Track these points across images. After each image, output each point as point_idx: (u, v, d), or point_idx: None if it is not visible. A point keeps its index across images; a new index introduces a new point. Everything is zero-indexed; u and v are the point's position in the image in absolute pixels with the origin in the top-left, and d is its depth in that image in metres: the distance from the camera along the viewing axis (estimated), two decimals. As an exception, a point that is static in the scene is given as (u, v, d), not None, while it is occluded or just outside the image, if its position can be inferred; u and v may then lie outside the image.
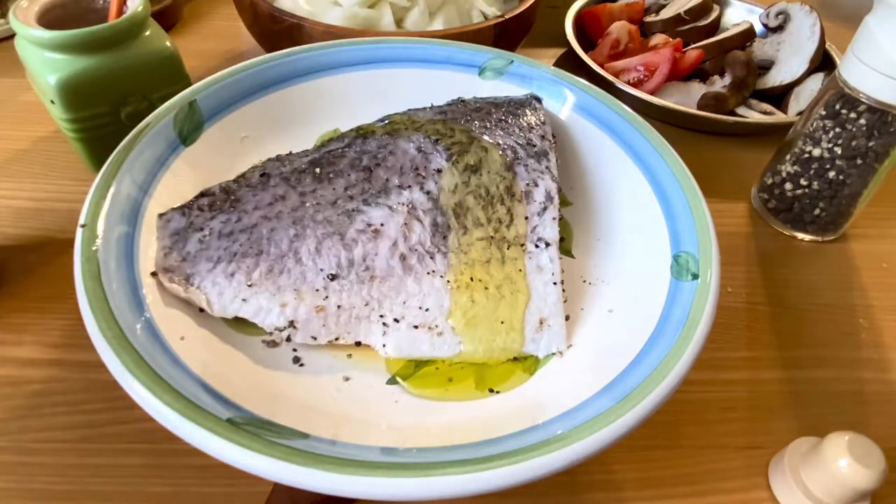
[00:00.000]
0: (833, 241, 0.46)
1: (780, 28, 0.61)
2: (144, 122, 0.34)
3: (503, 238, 0.33)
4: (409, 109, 0.41)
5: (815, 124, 0.42)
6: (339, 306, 0.31)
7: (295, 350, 0.31)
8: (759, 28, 0.62)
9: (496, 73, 0.43)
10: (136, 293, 0.28)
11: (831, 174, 0.42)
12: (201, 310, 0.30)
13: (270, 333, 0.30)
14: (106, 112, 0.40)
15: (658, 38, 0.61)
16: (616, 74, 0.56)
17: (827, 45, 0.58)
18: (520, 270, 0.33)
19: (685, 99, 0.56)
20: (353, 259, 0.32)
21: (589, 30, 0.64)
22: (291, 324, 0.30)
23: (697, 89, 0.57)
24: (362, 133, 0.38)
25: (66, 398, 0.32)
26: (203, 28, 0.64)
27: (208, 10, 0.67)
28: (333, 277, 0.31)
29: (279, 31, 0.49)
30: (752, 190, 0.49)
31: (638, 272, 0.34)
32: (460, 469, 0.22)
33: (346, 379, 0.30)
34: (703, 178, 0.36)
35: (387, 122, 0.39)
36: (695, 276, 0.30)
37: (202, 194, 0.34)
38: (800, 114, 0.46)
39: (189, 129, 0.36)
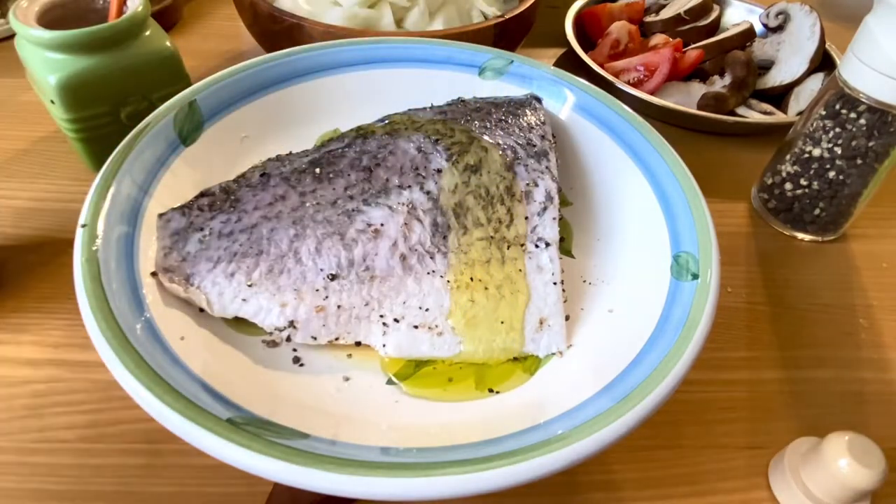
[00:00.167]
0: (833, 241, 0.46)
1: (780, 28, 0.61)
2: (144, 122, 0.34)
3: (503, 238, 0.33)
4: (409, 109, 0.41)
5: (815, 124, 0.42)
6: (339, 306, 0.31)
7: (295, 350, 0.31)
8: (759, 28, 0.62)
9: (496, 73, 0.43)
10: (136, 293, 0.28)
11: (831, 174, 0.42)
12: (201, 310, 0.30)
13: (270, 333, 0.30)
14: (106, 112, 0.40)
15: (658, 38, 0.61)
16: (616, 74, 0.56)
17: (827, 45, 0.58)
18: (520, 270, 0.33)
19: (685, 99, 0.56)
20: (353, 259, 0.32)
21: (589, 30, 0.64)
22: (291, 324, 0.30)
23: (697, 89, 0.57)
24: (362, 133, 0.38)
25: (66, 398, 0.32)
26: (203, 28, 0.64)
27: (208, 10, 0.67)
28: (333, 277, 0.31)
29: (279, 31, 0.49)
30: (752, 190, 0.49)
31: (638, 272, 0.34)
32: (460, 469, 0.22)
33: (346, 379, 0.30)
34: (703, 178, 0.36)
35: (387, 122, 0.39)
36: (695, 276, 0.30)
37: (202, 194, 0.34)
38: (800, 114, 0.46)
39: (189, 129, 0.36)
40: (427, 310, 0.31)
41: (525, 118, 0.39)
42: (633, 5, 0.65)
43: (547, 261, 0.33)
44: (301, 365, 0.30)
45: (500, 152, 0.36)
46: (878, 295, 0.42)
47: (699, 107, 0.54)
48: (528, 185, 0.35)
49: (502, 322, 0.31)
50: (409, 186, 0.34)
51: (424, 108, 0.41)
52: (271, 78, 0.41)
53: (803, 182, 0.44)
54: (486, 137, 0.37)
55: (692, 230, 0.32)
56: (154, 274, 0.30)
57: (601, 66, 0.56)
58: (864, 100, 0.39)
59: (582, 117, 0.41)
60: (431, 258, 0.32)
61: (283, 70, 0.41)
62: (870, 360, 0.38)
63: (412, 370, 0.31)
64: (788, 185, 0.45)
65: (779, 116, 0.54)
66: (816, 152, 0.42)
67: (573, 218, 0.39)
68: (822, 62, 0.58)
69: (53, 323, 0.35)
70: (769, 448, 0.33)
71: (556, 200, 0.35)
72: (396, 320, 0.31)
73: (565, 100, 0.42)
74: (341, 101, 0.42)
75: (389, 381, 0.30)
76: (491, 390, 0.30)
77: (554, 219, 0.34)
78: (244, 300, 0.30)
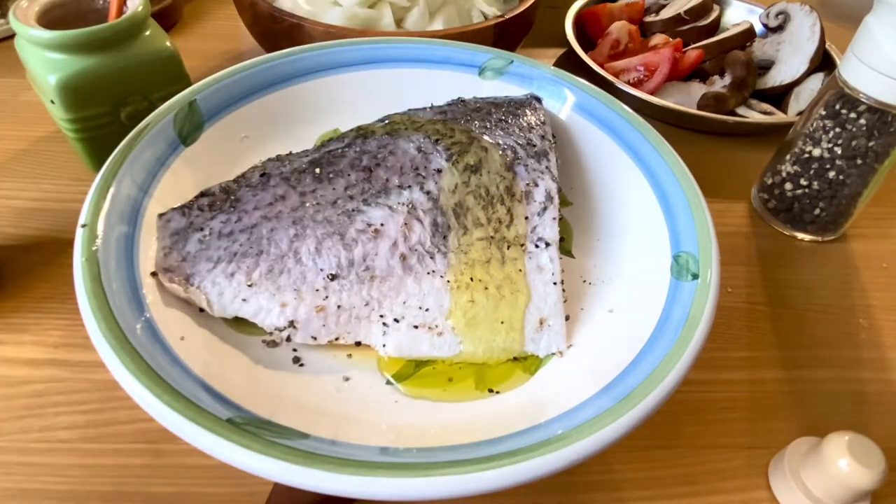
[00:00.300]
0: (833, 241, 0.46)
1: (780, 28, 0.61)
2: (144, 122, 0.34)
3: (503, 238, 0.33)
4: (409, 109, 0.41)
5: (815, 124, 0.42)
6: (339, 306, 0.31)
7: (295, 350, 0.31)
8: (759, 28, 0.62)
9: (496, 73, 0.43)
10: (136, 293, 0.28)
11: (831, 174, 0.42)
12: (201, 310, 0.30)
13: (270, 333, 0.30)
14: (106, 112, 0.40)
15: (658, 38, 0.61)
16: (616, 74, 0.56)
17: (827, 45, 0.58)
18: (520, 270, 0.33)
19: (685, 99, 0.56)
20: (354, 259, 0.32)
21: (589, 30, 0.64)
22: (291, 324, 0.30)
23: (697, 89, 0.57)
24: (362, 133, 0.38)
25: (66, 398, 0.32)
26: (203, 28, 0.64)
27: (208, 10, 0.67)
28: (333, 277, 0.31)
29: (279, 31, 0.49)
30: (752, 190, 0.49)
31: (638, 272, 0.34)
32: (460, 469, 0.22)
33: (346, 379, 0.30)
34: (703, 178, 0.36)
35: (387, 122, 0.39)
36: (695, 276, 0.30)
37: (202, 194, 0.34)
38: (800, 114, 0.46)
39: (189, 129, 0.36)
40: (427, 310, 0.31)
41: (525, 118, 0.39)
42: (633, 5, 0.65)
43: (547, 261, 0.33)
44: (301, 365, 0.30)
45: (500, 152, 0.36)
46: (878, 295, 0.42)
47: (699, 107, 0.54)
48: (528, 185, 0.35)
49: (502, 322, 0.31)
50: (409, 186, 0.34)
51: (424, 108, 0.41)
52: (271, 78, 0.41)
53: (803, 182, 0.44)
54: (486, 137, 0.37)
55: (692, 230, 0.32)
56: (154, 274, 0.30)
57: (601, 66, 0.56)
58: (864, 100, 0.39)
59: (582, 117, 0.41)
60: (431, 258, 0.32)
61: (283, 70, 0.41)
62: (870, 360, 0.38)
63: (412, 370, 0.31)
64: (788, 185, 0.45)
65: (779, 116, 0.54)
66: (816, 152, 0.42)
67: (573, 218, 0.39)
68: (822, 62, 0.58)
69: (53, 323, 0.35)
70: (769, 448, 0.33)
71: (556, 200, 0.35)
72: (396, 320, 0.31)
73: (565, 100, 0.42)
74: (341, 101, 0.42)
75: (389, 382, 0.30)
76: (491, 390, 0.30)
77: (554, 219, 0.34)
78: (244, 300, 0.30)
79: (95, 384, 0.32)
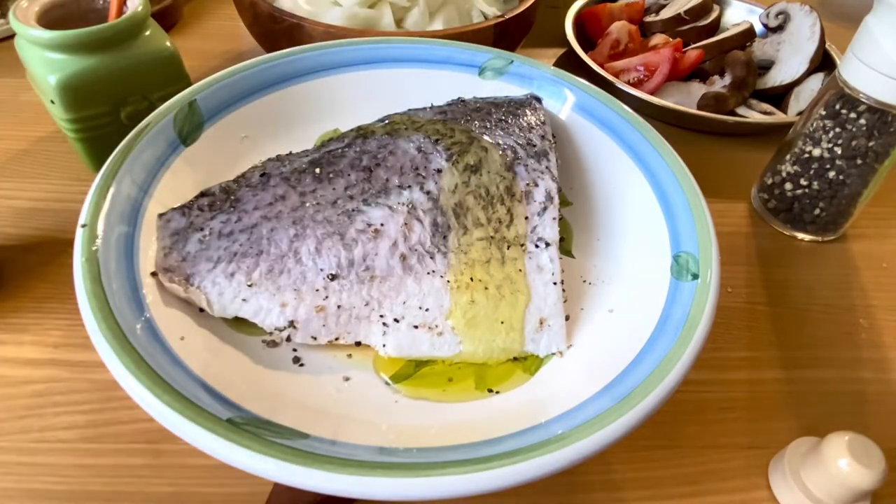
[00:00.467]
0: (833, 241, 0.46)
1: (780, 28, 0.61)
2: (144, 122, 0.34)
3: (503, 238, 0.33)
4: (409, 109, 0.41)
5: (815, 124, 0.42)
6: (339, 306, 0.31)
7: (295, 350, 0.31)
8: (759, 28, 0.62)
9: (496, 73, 0.43)
10: (136, 293, 0.28)
11: (831, 174, 0.42)
12: (201, 310, 0.30)
13: (270, 333, 0.30)
14: (106, 112, 0.40)
15: (658, 38, 0.61)
16: (616, 74, 0.56)
17: (827, 45, 0.58)
18: (520, 270, 0.33)
19: (685, 99, 0.56)
20: (354, 259, 0.32)
21: (589, 30, 0.64)
22: (291, 324, 0.30)
23: (697, 89, 0.57)
24: (362, 133, 0.38)
25: (66, 398, 0.32)
26: (203, 28, 0.64)
27: (208, 10, 0.67)
28: (333, 277, 0.31)
29: (279, 31, 0.49)
30: (752, 190, 0.49)
31: (638, 272, 0.34)
32: (460, 469, 0.22)
33: (346, 379, 0.30)
34: (703, 178, 0.36)
35: (387, 122, 0.39)
36: (695, 276, 0.30)
37: (202, 194, 0.34)
38: (800, 114, 0.46)
39: (189, 129, 0.36)
40: (427, 310, 0.31)
41: (525, 118, 0.39)
42: (633, 5, 0.65)
43: (547, 261, 0.33)
44: (301, 365, 0.30)
45: (500, 152, 0.36)
46: (878, 295, 0.42)
47: (699, 107, 0.54)
48: (528, 185, 0.35)
49: (502, 322, 0.31)
50: (409, 186, 0.34)
51: (424, 108, 0.41)
52: (271, 78, 0.41)
53: (803, 182, 0.44)
54: (486, 137, 0.37)
55: (692, 230, 0.32)
56: (154, 274, 0.30)
57: (601, 66, 0.56)
58: (864, 100, 0.39)
59: (582, 117, 0.41)
60: (431, 258, 0.32)
61: (283, 70, 0.41)
62: (870, 360, 0.38)
63: (412, 370, 0.31)
64: (788, 185, 0.45)
65: (779, 116, 0.54)
66: (816, 152, 0.42)
67: (573, 218, 0.39)
68: (822, 62, 0.58)
69: (53, 323, 0.35)
70: (769, 448, 0.33)
71: (556, 200, 0.35)
72: (396, 320, 0.31)
73: (565, 100, 0.42)
74: (341, 101, 0.42)
75: (387, 383, 0.30)
76: (491, 390, 0.30)
77: (554, 219, 0.34)
78: (244, 300, 0.30)
79: (95, 384, 0.32)
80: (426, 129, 0.37)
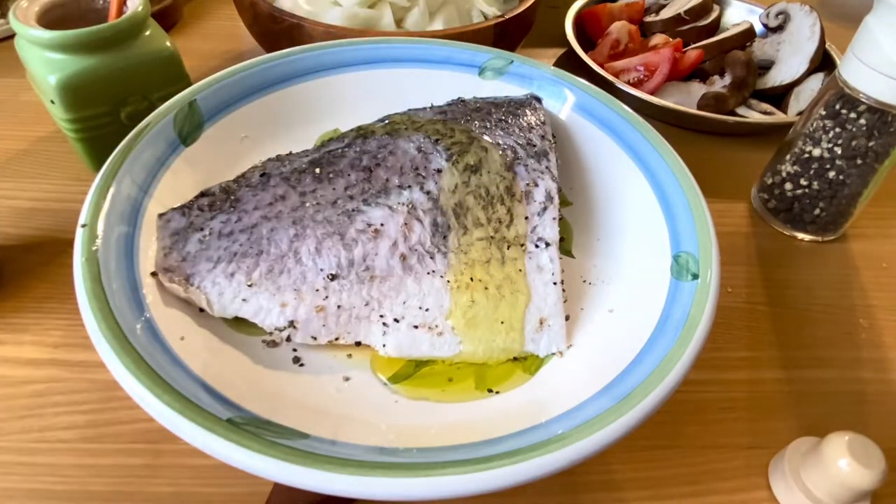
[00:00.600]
0: (833, 241, 0.46)
1: (780, 28, 0.61)
2: (144, 122, 0.34)
3: (503, 238, 0.33)
4: (409, 109, 0.41)
5: (815, 124, 0.42)
6: (339, 306, 0.31)
7: (295, 350, 0.31)
8: (759, 28, 0.62)
9: (496, 73, 0.43)
10: (136, 293, 0.28)
11: (831, 174, 0.42)
12: (201, 310, 0.30)
13: (270, 333, 0.30)
14: (106, 112, 0.40)
15: (658, 38, 0.61)
16: (616, 74, 0.56)
17: (827, 45, 0.58)
18: (520, 270, 0.33)
19: (685, 99, 0.56)
20: (353, 259, 0.32)
21: (589, 30, 0.64)
22: (291, 324, 0.30)
23: (697, 89, 0.57)
24: (362, 133, 0.38)
25: (66, 398, 0.32)
26: (203, 28, 0.64)
27: (208, 10, 0.67)
28: (333, 277, 0.31)
29: (279, 31, 0.49)
30: (752, 190, 0.49)
31: (638, 272, 0.34)
32: (460, 469, 0.22)
33: (346, 379, 0.30)
34: (703, 178, 0.36)
35: (387, 122, 0.39)
36: (695, 276, 0.30)
37: (202, 194, 0.34)
38: (800, 114, 0.46)
39: (189, 129, 0.36)
40: (427, 310, 0.31)
41: (525, 118, 0.39)
42: (633, 5, 0.65)
43: (547, 261, 0.33)
44: (301, 365, 0.30)
45: (500, 152, 0.36)
46: (878, 295, 0.42)
47: (699, 107, 0.54)
48: (528, 185, 0.35)
49: (502, 322, 0.31)
50: (409, 186, 0.34)
51: (424, 108, 0.41)
52: (271, 78, 0.41)
53: (803, 182, 0.44)
54: (486, 137, 0.37)
55: (692, 230, 0.32)
56: (154, 274, 0.30)
57: (601, 66, 0.56)
58: (864, 100, 0.39)
59: (582, 117, 0.41)
60: (431, 258, 0.32)
61: (283, 70, 0.41)
62: (870, 360, 0.38)
63: (412, 370, 0.31)
64: (788, 185, 0.45)
65: (779, 116, 0.54)
66: (816, 152, 0.42)
67: (573, 218, 0.39)
68: (822, 62, 0.58)
69: (53, 323, 0.35)
70: (769, 448, 0.33)
71: (556, 200, 0.35)
72: (396, 320, 0.31)
73: (565, 100, 0.42)
74: (341, 101, 0.42)
75: (385, 384, 0.30)
76: (491, 390, 0.30)
77: (554, 219, 0.34)
78: (244, 300, 0.30)
79: (95, 384, 0.32)
80: (426, 129, 0.37)
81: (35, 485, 0.29)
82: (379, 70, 0.43)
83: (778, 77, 0.58)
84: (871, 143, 0.40)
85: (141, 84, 0.41)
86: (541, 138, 0.38)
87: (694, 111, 0.52)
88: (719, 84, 0.57)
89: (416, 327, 0.31)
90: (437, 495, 0.22)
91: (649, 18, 0.65)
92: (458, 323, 0.31)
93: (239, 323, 0.31)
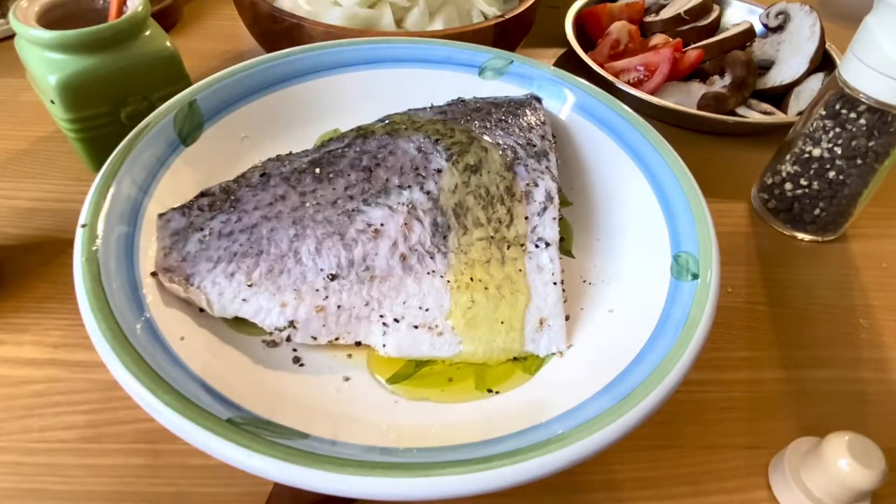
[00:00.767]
0: (833, 241, 0.46)
1: (780, 28, 0.61)
2: (144, 122, 0.34)
3: (503, 238, 0.33)
4: (409, 109, 0.41)
5: (815, 124, 0.42)
6: (339, 306, 0.31)
7: (295, 350, 0.31)
8: (759, 28, 0.62)
9: (496, 73, 0.43)
10: (136, 293, 0.28)
11: (831, 174, 0.42)
12: (201, 310, 0.30)
13: (270, 333, 0.30)
14: (106, 112, 0.40)
15: (658, 38, 0.61)
16: (616, 74, 0.56)
17: (827, 45, 0.58)
18: (520, 270, 0.33)
19: (685, 99, 0.56)
20: (354, 259, 0.32)
21: (589, 30, 0.64)
22: (291, 324, 0.30)
23: (697, 89, 0.57)
24: (362, 133, 0.38)
25: (66, 398, 0.32)
26: (203, 28, 0.64)
27: (208, 10, 0.67)
28: (333, 277, 0.31)
29: (279, 31, 0.49)
30: (752, 190, 0.49)
31: (638, 272, 0.34)
32: (460, 469, 0.22)
33: (346, 379, 0.30)
34: (703, 178, 0.36)
35: (387, 122, 0.39)
36: (695, 276, 0.30)
37: (202, 194, 0.34)
38: (800, 114, 0.46)
39: (189, 129, 0.36)
40: (427, 310, 0.31)
41: (525, 118, 0.39)
42: (633, 5, 0.65)
43: (547, 261, 0.33)
44: (301, 365, 0.30)
45: (500, 152, 0.36)
46: (878, 295, 0.42)
47: (699, 107, 0.54)
48: (528, 185, 0.35)
49: (502, 322, 0.31)
50: (409, 186, 0.34)
51: (424, 108, 0.41)
52: (271, 78, 0.41)
53: (803, 182, 0.44)
54: (486, 137, 0.37)
55: (692, 230, 0.32)
56: (154, 274, 0.30)
57: (601, 66, 0.56)
58: (864, 100, 0.39)
59: (582, 117, 0.41)
60: (431, 258, 0.32)
61: (283, 70, 0.41)
62: (870, 360, 0.38)
63: (412, 370, 0.31)
64: (788, 185, 0.45)
65: (779, 116, 0.54)
66: (816, 152, 0.42)
67: (573, 218, 0.39)
68: (822, 62, 0.58)
69: (53, 323, 0.35)
70: (769, 448, 0.33)
71: (556, 200, 0.35)
72: (396, 320, 0.31)
73: (565, 100, 0.42)
74: (341, 101, 0.42)
75: (383, 385, 0.30)
76: (491, 390, 0.30)
77: (554, 219, 0.34)
78: (244, 300, 0.30)
79: (95, 384, 0.32)
80: (426, 129, 0.37)
81: (35, 485, 0.29)
82: (379, 70, 0.43)
83: (778, 77, 0.58)
84: (871, 143, 0.40)
85: (141, 84, 0.41)
86: (541, 138, 0.38)
87: (694, 111, 0.52)
88: (719, 84, 0.57)
89: (416, 327, 0.31)
90: (437, 495, 0.22)
91: (649, 18, 0.65)
92: (458, 323, 0.31)
93: (239, 323, 0.31)
